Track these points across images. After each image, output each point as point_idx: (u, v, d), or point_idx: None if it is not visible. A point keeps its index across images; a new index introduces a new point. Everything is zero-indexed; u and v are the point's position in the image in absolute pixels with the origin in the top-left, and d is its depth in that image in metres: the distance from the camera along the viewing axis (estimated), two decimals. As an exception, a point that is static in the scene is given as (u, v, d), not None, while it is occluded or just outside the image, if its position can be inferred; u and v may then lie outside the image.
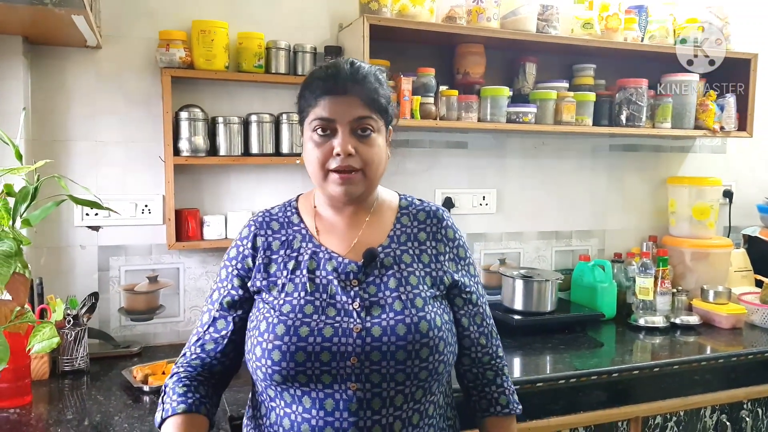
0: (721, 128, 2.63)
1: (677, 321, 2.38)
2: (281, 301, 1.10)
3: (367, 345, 1.05)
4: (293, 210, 1.23)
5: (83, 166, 2.01)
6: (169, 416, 1.07)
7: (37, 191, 1.51)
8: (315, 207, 1.21)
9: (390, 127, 1.18)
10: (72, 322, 1.85)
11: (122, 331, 2.10)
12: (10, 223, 1.46)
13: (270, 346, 1.06)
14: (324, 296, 1.10)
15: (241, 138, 2.09)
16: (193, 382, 1.13)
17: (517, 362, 2.04)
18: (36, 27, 1.72)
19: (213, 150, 2.07)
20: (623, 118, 2.49)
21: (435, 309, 1.12)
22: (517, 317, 2.27)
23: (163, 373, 1.78)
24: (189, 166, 2.07)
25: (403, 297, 1.11)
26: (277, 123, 2.12)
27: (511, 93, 2.34)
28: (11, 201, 1.47)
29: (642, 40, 2.52)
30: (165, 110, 1.99)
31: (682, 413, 2.02)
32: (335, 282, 1.11)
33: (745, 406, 2.12)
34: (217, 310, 1.17)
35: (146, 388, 1.71)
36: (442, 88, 2.26)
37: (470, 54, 2.33)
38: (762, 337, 2.27)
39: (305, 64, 2.13)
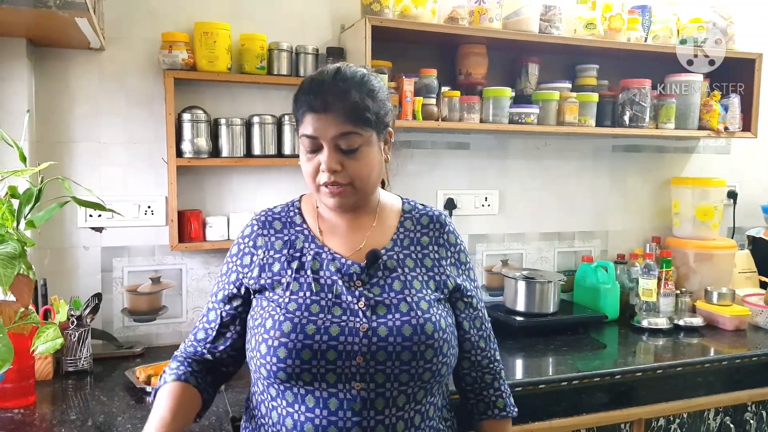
0: (726, 129, 2.62)
1: (681, 323, 2.37)
2: (287, 299, 1.11)
3: (373, 345, 1.06)
4: (296, 210, 1.23)
5: (87, 168, 2.02)
6: (159, 387, 1.13)
7: (41, 193, 1.52)
8: (317, 208, 1.22)
9: (389, 130, 1.18)
10: (75, 322, 1.86)
11: (125, 332, 2.11)
12: (15, 224, 1.47)
13: (276, 343, 1.06)
14: (329, 296, 1.11)
15: (244, 139, 2.10)
16: (186, 359, 1.18)
17: (519, 364, 2.03)
18: (40, 29, 1.73)
19: (215, 151, 2.08)
20: (626, 118, 2.48)
21: (439, 312, 1.14)
22: (519, 319, 2.26)
23: (166, 373, 1.79)
24: (191, 167, 2.08)
25: (408, 299, 1.12)
26: (279, 124, 2.13)
27: (513, 94, 2.34)
28: (15, 203, 1.48)
29: (645, 41, 2.51)
30: (168, 112, 2.00)
31: (685, 415, 2.01)
32: (340, 282, 1.12)
33: (749, 408, 2.11)
34: (212, 303, 1.21)
35: (149, 389, 1.71)
36: (444, 89, 2.26)
37: (472, 55, 2.33)
38: (766, 339, 2.26)
39: (307, 66, 2.13)
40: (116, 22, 2.01)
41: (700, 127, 2.61)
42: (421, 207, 1.27)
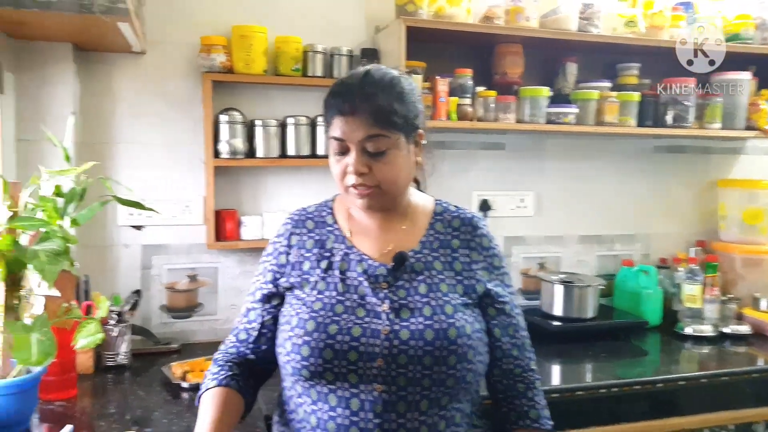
0: (774, 129, 2.52)
1: (727, 330, 2.29)
2: (313, 299, 1.12)
3: (394, 347, 1.05)
4: (328, 210, 1.24)
5: (127, 168, 2.08)
6: (202, 393, 1.13)
7: (85, 192, 1.56)
8: (348, 209, 1.22)
9: (419, 132, 1.17)
10: (116, 318, 1.91)
11: (163, 328, 2.16)
12: (59, 222, 1.51)
13: (300, 341, 1.07)
14: (354, 297, 1.11)
15: (279, 140, 2.12)
16: (227, 363, 1.18)
17: (555, 369, 2.00)
18: (84, 34, 1.79)
19: (251, 152, 2.11)
20: (669, 118, 2.42)
21: (465, 317, 1.11)
22: (556, 323, 2.22)
23: (201, 370, 1.81)
24: (228, 167, 2.11)
25: (433, 303, 1.10)
26: (313, 125, 2.15)
27: (550, 93, 2.30)
28: (60, 201, 1.53)
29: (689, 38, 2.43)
30: (205, 114, 2.04)
31: (732, 427, 1.93)
32: (365, 283, 1.12)
33: (799, 420, 2.02)
34: (252, 302, 1.21)
35: (185, 385, 1.74)
36: (480, 89, 2.24)
37: (508, 54, 2.30)
38: (817, 348, 2.17)
39: (342, 67, 2.15)
40: (157, 26, 2.06)
41: (748, 127, 2.52)
42: (453, 209, 1.26)
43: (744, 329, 2.29)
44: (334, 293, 1.12)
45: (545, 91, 2.27)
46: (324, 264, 1.16)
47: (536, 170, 2.54)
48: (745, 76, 2.48)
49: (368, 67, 1.15)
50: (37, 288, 1.55)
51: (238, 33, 2.03)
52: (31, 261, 1.34)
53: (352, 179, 1.10)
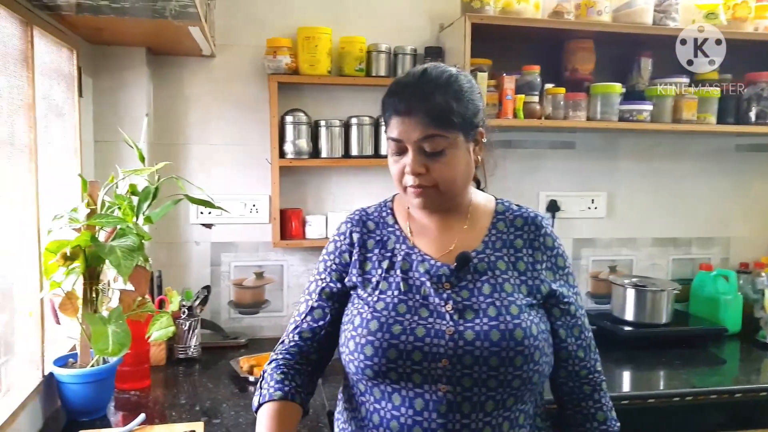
0: None
1: (813, 339, 2.14)
2: (375, 298, 1.11)
3: (459, 348, 1.04)
4: (388, 210, 1.24)
5: (198, 168, 2.15)
6: (265, 401, 1.10)
7: (158, 191, 1.63)
8: (408, 209, 1.21)
9: (479, 130, 1.15)
10: (187, 313, 1.98)
11: (231, 323, 2.22)
12: (134, 219, 1.58)
13: (363, 341, 1.07)
14: (417, 297, 1.10)
15: (342, 140, 2.14)
16: (290, 371, 1.15)
17: (626, 376, 1.93)
18: (157, 38, 1.87)
19: (315, 152, 2.14)
20: (752, 115, 2.29)
21: (531, 317, 1.09)
22: (627, 328, 2.15)
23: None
24: (293, 167, 2.15)
25: (498, 303, 1.08)
26: (376, 125, 2.16)
27: (623, 90, 2.22)
28: (135, 200, 1.60)
29: (776, 29, 2.29)
30: (271, 114, 2.08)
31: (816, 442, 1.81)
32: (428, 284, 1.11)
33: None
34: (315, 300, 1.20)
35: (251, 379, 1.79)
36: (548, 86, 2.18)
37: (579, 50, 2.24)
38: None
39: (405, 66, 2.14)
40: (225, 30, 2.12)
41: (843, 124, 2.34)
42: (515, 208, 1.22)
43: (835, 340, 2.14)
44: (396, 293, 1.11)
45: (618, 88, 2.19)
46: (386, 264, 1.15)
47: (608, 170, 2.46)
48: (839, 69, 2.31)
49: (427, 65, 1.13)
50: (114, 282, 1.63)
51: (303, 34, 2.06)
52: (108, 256, 1.41)
53: (409, 180, 1.09)
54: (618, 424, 1.18)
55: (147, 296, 1.65)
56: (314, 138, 2.14)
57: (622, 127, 2.22)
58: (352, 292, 1.17)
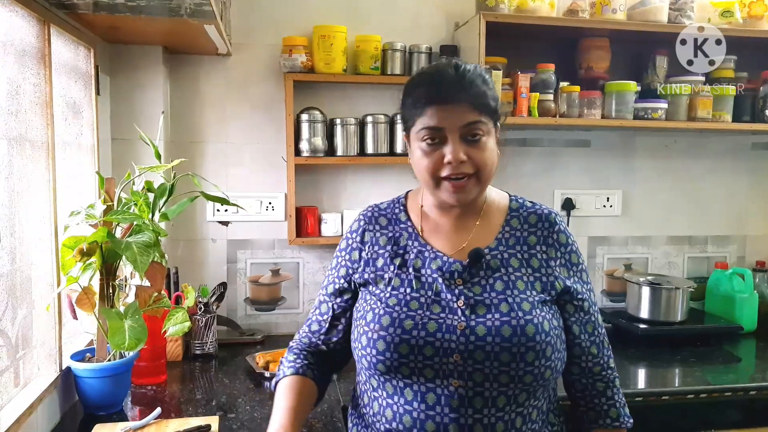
0: None
1: (831, 338, 2.12)
2: (388, 294, 1.12)
3: (470, 343, 1.04)
4: (401, 207, 1.24)
5: (214, 166, 2.17)
6: (279, 380, 1.17)
7: (174, 188, 1.64)
8: (422, 206, 1.22)
9: (498, 124, 1.16)
10: (203, 309, 2.00)
11: (247, 320, 2.24)
12: (150, 216, 1.60)
13: (375, 336, 1.08)
14: (429, 293, 1.10)
15: (357, 138, 2.15)
16: (301, 352, 1.22)
17: (641, 373, 1.92)
18: (174, 37, 1.88)
19: (331, 150, 2.15)
20: (769, 113, 2.26)
21: (543, 314, 1.09)
22: (642, 326, 2.13)
23: (282, 361, 1.87)
24: (308, 165, 2.16)
25: (510, 300, 1.08)
26: (391, 123, 2.16)
27: (638, 88, 2.21)
28: (151, 197, 1.62)
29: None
30: (287, 113, 2.09)
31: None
32: (440, 280, 1.11)
33: None
34: (323, 295, 1.24)
35: (267, 374, 1.80)
36: (563, 84, 2.18)
37: (594, 48, 2.23)
38: None
39: (420, 65, 2.14)
40: (241, 29, 2.13)
41: None
42: (529, 205, 1.22)
43: None
44: (408, 289, 1.12)
45: (633, 86, 2.18)
46: (398, 261, 1.16)
47: (623, 168, 2.45)
48: None
49: (452, 59, 1.15)
50: (130, 278, 1.65)
51: (319, 33, 2.07)
52: (124, 252, 1.43)
53: (448, 169, 1.08)
54: (631, 420, 1.18)
55: (163, 292, 1.66)
56: (330, 136, 2.15)
57: (637, 125, 2.21)
58: (363, 288, 1.18)
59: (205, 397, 1.68)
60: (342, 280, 1.21)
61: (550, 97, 2.14)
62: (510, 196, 1.24)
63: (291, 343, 1.26)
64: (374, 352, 1.08)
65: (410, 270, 1.14)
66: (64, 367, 1.54)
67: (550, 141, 2.39)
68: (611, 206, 2.45)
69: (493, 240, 1.16)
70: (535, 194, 2.20)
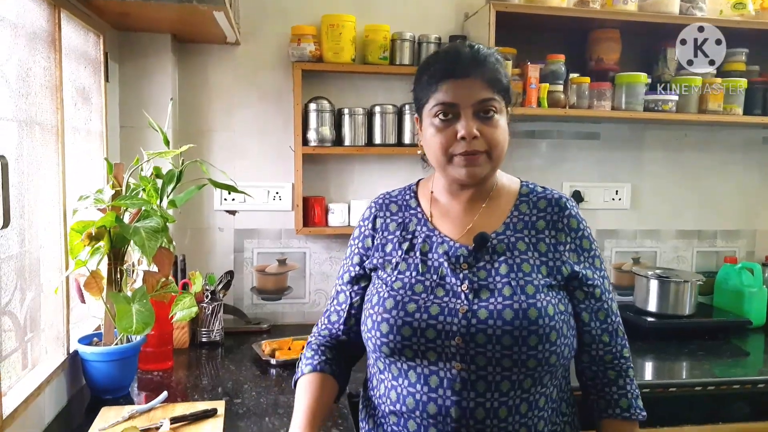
0: None
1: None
2: (393, 278, 1.12)
3: (472, 326, 1.04)
4: (412, 194, 1.24)
5: (222, 155, 2.17)
6: (298, 378, 1.17)
7: (182, 174, 1.65)
8: (432, 192, 1.22)
9: (509, 108, 1.15)
10: (210, 297, 2.01)
11: (253, 309, 2.24)
12: (158, 201, 1.60)
13: (379, 318, 1.08)
14: (434, 277, 1.10)
15: (365, 128, 2.15)
16: (320, 347, 1.21)
17: (648, 366, 1.91)
18: (182, 24, 1.89)
19: (338, 140, 2.15)
20: (781, 106, 2.24)
21: (549, 298, 1.07)
22: (650, 319, 2.12)
23: (289, 348, 1.87)
24: (316, 155, 2.16)
25: (513, 283, 1.07)
26: (399, 114, 2.16)
27: (649, 80, 2.19)
28: (159, 182, 1.62)
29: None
30: (295, 102, 2.09)
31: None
32: (446, 264, 1.11)
33: None
34: (340, 285, 1.24)
35: (273, 362, 1.81)
36: (573, 75, 2.16)
37: (604, 39, 2.22)
38: None
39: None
40: (250, 18, 2.13)
41: None
42: (540, 190, 1.22)
43: None
44: (414, 273, 1.12)
45: (643, 78, 2.16)
46: (406, 245, 1.16)
47: (633, 161, 2.43)
48: None
49: (460, 41, 1.15)
50: (138, 264, 1.65)
51: (328, 22, 2.06)
52: (132, 237, 1.43)
53: (461, 146, 1.08)
54: (644, 413, 1.14)
55: (171, 278, 1.67)
56: (337, 126, 2.15)
57: (647, 117, 2.20)
58: (373, 273, 1.18)
59: (212, 383, 1.69)
60: (357, 268, 1.21)
61: (560, 88, 2.13)
62: (522, 181, 1.24)
63: (309, 338, 1.26)
64: (378, 334, 1.08)
65: (417, 255, 1.14)
66: (71, 351, 1.55)
67: (559, 133, 2.38)
68: (620, 199, 2.44)
69: (500, 225, 1.15)
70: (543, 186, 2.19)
